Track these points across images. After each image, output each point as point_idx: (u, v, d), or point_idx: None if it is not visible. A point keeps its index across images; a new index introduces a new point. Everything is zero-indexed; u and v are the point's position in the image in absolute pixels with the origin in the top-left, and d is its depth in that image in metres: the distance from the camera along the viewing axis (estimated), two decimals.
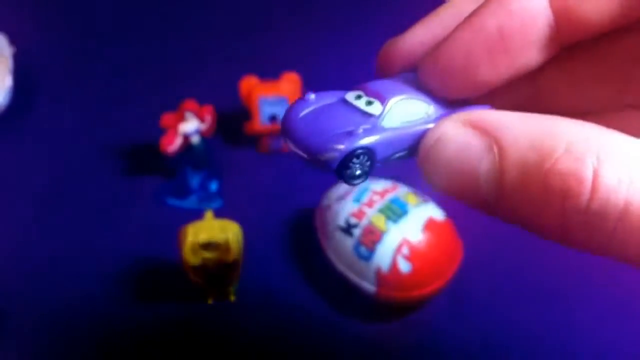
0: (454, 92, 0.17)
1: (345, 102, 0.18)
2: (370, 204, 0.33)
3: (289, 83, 0.39)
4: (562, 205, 0.14)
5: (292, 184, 0.41)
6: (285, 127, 0.18)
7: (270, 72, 0.40)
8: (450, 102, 0.18)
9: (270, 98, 0.39)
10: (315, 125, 0.17)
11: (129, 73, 0.47)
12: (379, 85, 0.18)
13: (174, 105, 0.38)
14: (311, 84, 0.40)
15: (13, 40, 0.46)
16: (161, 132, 0.37)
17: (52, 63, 0.48)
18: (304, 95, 0.18)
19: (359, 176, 0.17)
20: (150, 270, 0.36)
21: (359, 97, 0.18)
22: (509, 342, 0.34)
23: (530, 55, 0.16)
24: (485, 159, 0.15)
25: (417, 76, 0.18)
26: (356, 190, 0.34)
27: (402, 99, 0.17)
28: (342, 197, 0.34)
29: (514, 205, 0.15)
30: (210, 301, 0.35)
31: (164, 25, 0.51)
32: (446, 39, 0.17)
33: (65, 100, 0.46)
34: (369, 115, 0.17)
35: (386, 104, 0.17)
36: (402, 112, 0.17)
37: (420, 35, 0.18)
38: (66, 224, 0.39)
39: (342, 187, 0.35)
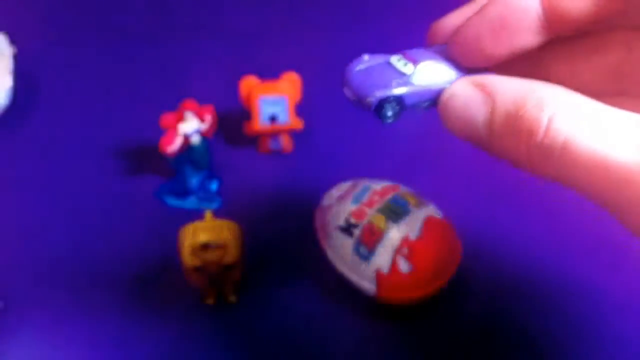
0: (469, 61, 0.23)
1: (389, 63, 0.24)
2: (370, 204, 0.33)
3: (289, 83, 0.39)
4: (527, 142, 0.19)
5: (292, 184, 0.41)
6: (344, 78, 0.25)
7: (270, 73, 0.40)
8: (468, 71, 0.23)
9: (270, 98, 0.39)
10: (364, 78, 0.24)
11: (129, 73, 0.48)
12: (415, 52, 0.24)
13: (174, 106, 0.38)
14: (311, 84, 0.41)
15: (13, 40, 0.46)
16: (161, 132, 0.37)
17: (53, 63, 0.48)
18: (363, 56, 0.25)
19: (390, 116, 0.24)
20: (150, 271, 0.37)
21: (399, 59, 0.24)
22: (509, 340, 0.34)
23: (524, 38, 0.22)
24: (482, 109, 0.21)
25: (446, 48, 0.24)
26: (356, 190, 0.35)
27: (429, 63, 0.23)
28: (342, 197, 0.35)
29: (500, 144, 0.20)
30: (210, 302, 0.35)
31: (165, 26, 0.51)
32: (465, 22, 0.23)
33: (65, 100, 0.46)
34: (403, 73, 0.23)
35: (417, 66, 0.23)
36: (428, 73, 0.23)
37: (455, 18, 0.24)
38: (66, 223, 0.39)
39: (342, 188, 0.36)
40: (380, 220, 0.33)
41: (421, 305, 0.34)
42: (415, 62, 0.23)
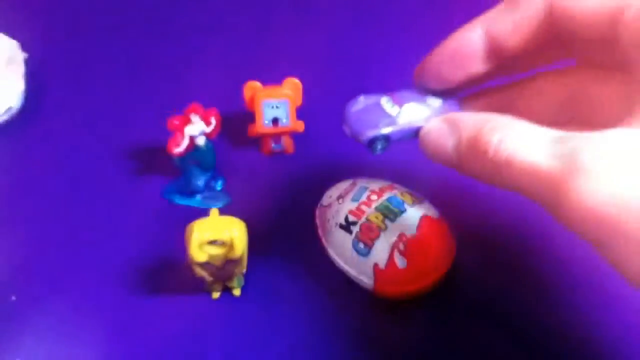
0: (434, 85, 0.28)
1: (379, 104, 0.29)
2: (368, 203, 0.34)
3: (291, 88, 0.40)
4: (483, 160, 0.24)
5: (294, 184, 0.41)
6: (343, 117, 0.30)
7: (272, 77, 0.40)
8: (439, 95, 0.29)
9: (273, 102, 0.40)
10: (359, 118, 0.29)
11: (137, 77, 0.48)
12: (401, 94, 0.29)
13: (180, 108, 0.38)
14: (313, 89, 0.41)
15: (24, 46, 0.46)
16: (168, 134, 0.38)
17: (63, 68, 0.49)
18: (357, 97, 0.30)
19: (380, 150, 0.29)
20: (157, 267, 0.37)
21: (387, 101, 0.30)
22: (502, 335, 0.34)
23: (474, 66, 0.27)
24: (451, 138, 0.26)
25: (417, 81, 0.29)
26: (355, 189, 0.35)
27: (411, 105, 0.29)
28: (341, 197, 0.35)
29: (467, 164, 0.25)
30: (215, 296, 0.36)
31: (172, 31, 0.51)
32: (429, 55, 0.28)
33: (75, 103, 0.46)
34: (390, 115, 0.29)
35: (401, 108, 0.29)
36: (410, 113, 0.29)
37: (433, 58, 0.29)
38: (76, 222, 0.40)
39: (341, 187, 0.36)
40: (377, 218, 0.33)
41: (417, 299, 0.35)
42: (400, 104, 0.29)
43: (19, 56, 0.45)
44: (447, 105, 0.29)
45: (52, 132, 0.45)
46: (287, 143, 0.42)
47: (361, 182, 0.36)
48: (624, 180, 0.19)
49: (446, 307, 0.35)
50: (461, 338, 0.34)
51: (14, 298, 0.36)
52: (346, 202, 0.35)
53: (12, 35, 0.46)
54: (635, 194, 0.19)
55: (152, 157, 0.42)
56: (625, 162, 0.20)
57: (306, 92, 0.40)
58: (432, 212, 0.34)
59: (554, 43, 0.25)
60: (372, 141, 0.29)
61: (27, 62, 0.46)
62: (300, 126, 0.41)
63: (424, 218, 0.33)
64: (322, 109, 0.44)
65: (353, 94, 0.45)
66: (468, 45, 0.26)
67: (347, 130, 0.30)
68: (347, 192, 0.35)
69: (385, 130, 0.29)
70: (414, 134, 0.28)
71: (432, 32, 0.48)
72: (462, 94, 0.30)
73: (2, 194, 0.41)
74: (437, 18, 0.51)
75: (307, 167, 0.42)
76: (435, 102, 0.29)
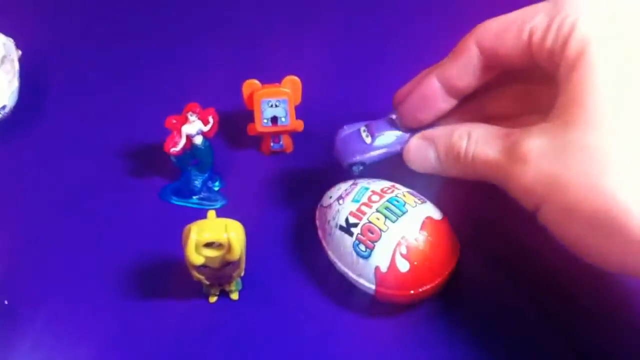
0: (410, 125, 0.35)
1: (359, 133, 0.36)
2: (369, 204, 0.34)
3: (290, 86, 0.40)
4: (456, 162, 0.32)
5: (294, 184, 0.41)
6: (334, 145, 0.36)
7: (271, 76, 0.40)
8: (410, 132, 0.35)
9: (272, 101, 0.40)
10: (342, 146, 0.36)
11: (134, 76, 0.48)
12: (375, 124, 0.36)
13: (178, 108, 0.38)
14: (312, 87, 0.41)
15: (19, 43, 0.46)
16: (165, 133, 0.38)
17: (58, 66, 0.48)
18: (343, 127, 0.36)
19: (357, 172, 0.36)
20: (154, 269, 0.37)
21: (364, 131, 0.36)
22: (506, 338, 0.34)
23: (439, 106, 0.34)
24: (431, 151, 0.33)
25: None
26: (356, 190, 0.35)
27: (383, 134, 0.35)
28: (342, 197, 0.35)
29: (444, 168, 0.33)
30: (212, 300, 0.36)
31: (169, 30, 0.51)
32: (404, 100, 0.35)
33: (70, 102, 0.46)
34: (365, 143, 0.35)
35: (374, 138, 0.35)
36: (382, 141, 0.35)
37: (405, 89, 0.36)
38: (72, 222, 0.39)
39: (342, 188, 0.36)
40: (379, 220, 0.33)
41: (419, 303, 0.34)
42: (373, 135, 0.35)
43: (14, 54, 0.45)
44: (413, 132, 0.35)
45: (47, 132, 0.44)
46: (286, 142, 0.42)
47: (362, 183, 0.36)
48: (544, 163, 0.27)
49: (449, 308, 0.35)
50: (463, 340, 0.34)
51: (6, 302, 0.35)
52: (347, 203, 0.34)
53: (7, 32, 0.46)
54: (552, 172, 0.27)
55: (150, 158, 0.42)
56: (543, 149, 0.28)
57: (306, 91, 0.40)
58: (435, 214, 0.34)
59: (490, 74, 0.32)
60: (351, 166, 0.35)
61: (22, 60, 0.46)
62: (299, 125, 0.41)
63: (426, 219, 0.33)
64: (322, 108, 0.44)
65: (353, 94, 0.46)
66: (429, 92, 0.33)
67: (335, 154, 0.36)
68: (347, 193, 0.35)
69: (361, 158, 0.35)
70: (386, 158, 0.35)
71: (431, 32, 0.50)
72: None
73: None
74: (435, 19, 0.52)
75: (306, 166, 0.42)
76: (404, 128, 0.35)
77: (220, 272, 0.33)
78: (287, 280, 0.37)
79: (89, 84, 0.47)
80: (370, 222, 0.33)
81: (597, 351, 0.34)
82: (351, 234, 0.33)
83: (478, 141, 0.31)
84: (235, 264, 0.32)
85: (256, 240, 0.34)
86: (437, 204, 0.35)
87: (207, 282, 0.34)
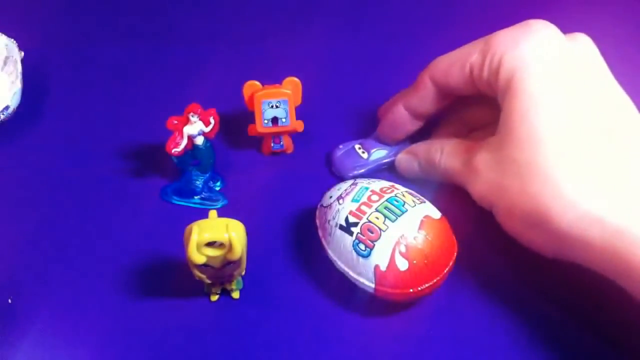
0: (389, 141, 0.42)
1: (354, 149, 0.42)
2: (369, 204, 0.34)
3: (290, 87, 0.40)
4: (433, 169, 0.39)
5: (294, 184, 0.41)
6: (331, 161, 0.42)
7: (272, 77, 0.40)
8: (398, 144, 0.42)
9: (272, 101, 0.40)
10: (339, 162, 0.42)
11: (136, 77, 0.48)
12: (368, 142, 0.42)
13: (179, 109, 0.38)
14: (312, 88, 0.41)
15: (22, 44, 0.46)
16: (166, 134, 0.38)
17: (60, 67, 0.48)
18: (339, 145, 0.42)
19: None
20: (156, 268, 0.37)
21: (359, 148, 0.42)
22: (503, 337, 0.34)
23: (408, 128, 0.40)
24: (414, 162, 0.40)
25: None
26: (356, 190, 0.35)
27: (376, 150, 0.42)
28: (342, 197, 0.35)
29: (426, 174, 0.39)
30: (214, 299, 0.36)
31: (170, 31, 0.51)
32: (380, 124, 0.42)
33: (73, 103, 0.46)
34: (362, 158, 0.42)
35: (370, 153, 0.42)
36: (376, 156, 0.42)
37: (386, 106, 0.42)
38: (75, 222, 0.39)
39: (342, 187, 0.36)
40: (378, 219, 0.33)
41: (418, 301, 0.35)
42: (368, 150, 0.42)
43: (16, 55, 0.45)
44: (401, 143, 0.42)
45: (50, 132, 0.45)
46: (286, 143, 0.42)
47: (362, 183, 0.36)
48: (490, 174, 0.34)
49: (447, 306, 0.35)
50: (463, 337, 0.34)
51: (10, 301, 0.36)
52: (346, 203, 0.35)
53: (9, 34, 0.46)
54: (495, 182, 0.33)
55: (151, 158, 0.42)
56: (489, 162, 0.34)
57: (306, 92, 0.40)
58: (434, 213, 0.34)
59: (446, 101, 0.38)
60: (352, 178, 0.39)
61: (24, 61, 0.46)
62: (299, 126, 0.41)
63: (425, 219, 0.33)
64: (322, 109, 0.44)
65: (353, 94, 0.46)
66: (398, 118, 0.40)
67: (334, 170, 0.42)
68: (347, 193, 0.35)
69: (360, 171, 0.41)
70: (380, 167, 0.41)
71: (430, 32, 0.50)
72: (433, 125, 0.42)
73: None
74: (435, 19, 0.52)
75: (306, 166, 0.42)
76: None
77: (221, 271, 0.33)
78: (288, 279, 0.37)
79: (91, 85, 0.47)
80: (369, 221, 0.33)
81: (600, 345, 0.34)
82: (351, 234, 0.33)
83: (448, 154, 0.37)
84: (236, 263, 0.32)
85: (257, 239, 0.35)
86: (436, 203, 0.35)
87: (209, 281, 0.34)
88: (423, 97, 0.38)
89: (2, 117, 0.43)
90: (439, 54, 0.38)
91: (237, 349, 0.34)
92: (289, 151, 0.43)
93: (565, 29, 0.35)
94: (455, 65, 0.36)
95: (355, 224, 0.33)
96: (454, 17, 0.51)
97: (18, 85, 0.44)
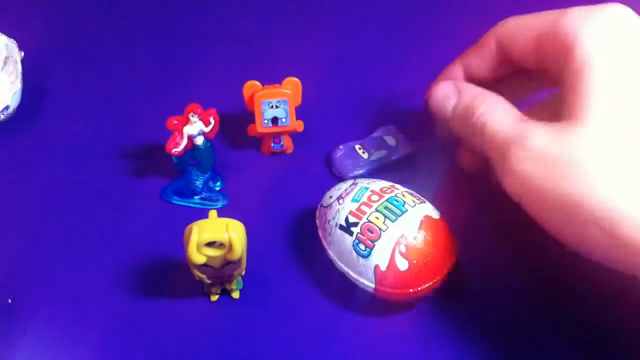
0: (434, 111, 0.37)
1: (354, 149, 0.42)
2: (369, 204, 0.34)
3: (290, 87, 0.40)
4: (469, 120, 0.33)
5: (294, 184, 0.41)
6: (331, 161, 0.42)
7: (272, 77, 0.40)
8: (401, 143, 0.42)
9: (272, 101, 0.40)
10: (340, 162, 0.41)
11: (135, 77, 0.48)
12: (368, 142, 0.42)
13: (179, 108, 0.38)
14: (312, 88, 0.41)
15: (22, 44, 0.46)
16: (166, 134, 0.38)
17: (60, 67, 0.48)
18: (339, 145, 0.42)
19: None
20: (156, 268, 0.37)
21: (359, 148, 0.42)
22: (503, 336, 0.34)
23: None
24: (452, 99, 0.35)
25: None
26: (356, 190, 0.35)
27: (378, 149, 0.41)
28: (342, 197, 0.35)
29: (457, 121, 0.35)
30: (214, 299, 0.36)
31: (171, 31, 0.51)
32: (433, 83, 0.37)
33: (72, 103, 0.46)
34: (362, 158, 0.41)
35: (369, 153, 0.41)
36: (376, 155, 0.41)
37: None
38: (74, 222, 0.39)
39: (342, 187, 0.36)
40: (378, 219, 0.33)
41: (418, 301, 0.35)
42: (369, 150, 0.41)
43: (16, 55, 0.45)
44: (401, 142, 0.42)
45: (50, 132, 0.45)
46: (286, 143, 0.42)
47: (362, 183, 0.36)
48: (549, 159, 0.29)
49: (447, 307, 0.35)
50: (462, 338, 0.34)
51: (10, 301, 0.36)
52: (346, 203, 0.35)
53: (9, 34, 0.46)
54: (551, 173, 0.29)
55: (151, 158, 0.42)
56: (542, 150, 0.29)
57: (306, 92, 0.40)
58: (433, 213, 0.34)
59: (506, 69, 0.35)
60: (353, 178, 0.39)
61: (24, 61, 0.46)
62: (299, 126, 0.41)
63: (425, 219, 0.33)
64: (322, 109, 0.44)
65: (353, 94, 0.46)
66: (452, 77, 0.36)
67: (334, 170, 0.41)
68: (347, 193, 0.35)
69: (360, 171, 0.41)
70: (379, 168, 0.41)
71: (430, 33, 0.50)
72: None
73: None
74: (435, 19, 0.52)
75: (307, 166, 0.42)
76: (392, 141, 0.42)
77: (221, 271, 0.33)
78: (288, 279, 0.37)
79: (91, 85, 0.47)
80: (369, 221, 0.33)
81: (598, 345, 0.34)
82: (351, 233, 0.34)
83: (494, 112, 0.32)
84: (236, 263, 0.32)
85: (257, 239, 0.35)
86: (436, 203, 0.35)
87: (209, 281, 0.34)
88: (483, 57, 0.35)
89: (2, 117, 0.43)
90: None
91: (237, 349, 0.34)
92: (289, 151, 0.43)
93: None
94: (525, 31, 0.33)
95: (355, 224, 0.33)
96: (454, 17, 0.51)
97: (18, 85, 0.44)
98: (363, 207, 0.34)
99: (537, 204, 0.30)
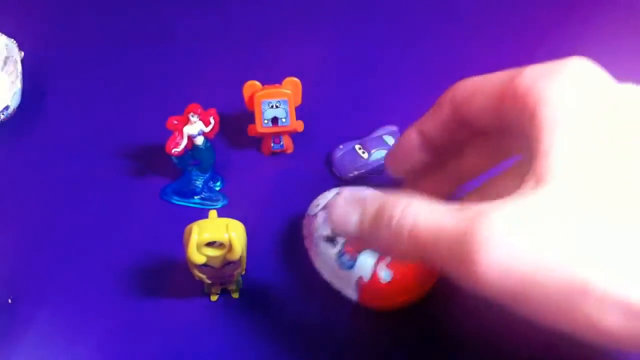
0: (393, 173, 0.35)
1: (354, 149, 0.41)
2: None
3: (290, 87, 0.40)
4: (382, 227, 0.26)
5: (294, 184, 0.41)
6: (331, 161, 0.42)
7: (272, 77, 0.40)
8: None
9: (273, 101, 0.40)
10: (340, 162, 0.41)
11: (135, 77, 0.48)
12: (370, 140, 0.42)
13: (179, 108, 0.38)
14: (312, 88, 0.41)
15: (22, 44, 0.46)
16: (166, 133, 0.38)
17: (60, 67, 0.48)
18: (339, 145, 0.42)
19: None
20: (155, 268, 0.37)
21: (360, 148, 0.41)
22: (489, 347, 0.34)
23: (416, 157, 0.33)
24: (354, 213, 0.28)
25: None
26: None
27: (376, 150, 0.41)
28: (327, 207, 0.35)
29: (366, 235, 0.27)
30: (214, 299, 0.36)
31: (170, 31, 0.51)
32: (389, 151, 0.37)
33: (72, 103, 0.46)
34: (362, 158, 0.41)
35: (370, 153, 0.41)
36: (376, 155, 0.41)
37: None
38: (74, 222, 0.39)
39: (328, 196, 0.36)
40: None
41: (404, 310, 0.34)
42: (369, 150, 0.41)
43: (16, 55, 0.45)
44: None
45: (50, 132, 0.44)
46: (286, 143, 0.42)
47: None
48: (525, 241, 0.22)
49: (434, 316, 0.35)
50: (462, 338, 0.34)
51: (10, 301, 0.36)
52: None
53: (9, 33, 0.46)
54: (532, 257, 0.22)
55: (151, 158, 0.42)
56: (524, 219, 0.22)
57: (306, 92, 0.40)
58: None
59: (463, 132, 0.32)
60: (353, 179, 0.41)
61: (24, 61, 0.46)
62: (299, 126, 0.41)
63: None
64: (322, 109, 0.44)
65: (353, 94, 0.46)
66: (406, 141, 0.34)
67: (334, 170, 0.41)
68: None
69: (360, 171, 0.41)
70: (379, 168, 0.41)
71: (430, 34, 0.50)
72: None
73: None
74: (436, 21, 0.52)
75: (307, 167, 0.42)
76: (392, 141, 0.42)
77: (221, 271, 0.33)
78: (288, 279, 0.37)
79: (91, 85, 0.47)
80: None
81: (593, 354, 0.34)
82: (335, 245, 0.33)
83: (419, 209, 0.25)
84: (236, 263, 0.32)
85: (257, 239, 0.35)
86: None
87: (209, 281, 0.34)
88: (438, 120, 0.32)
89: (2, 117, 0.43)
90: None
91: (237, 349, 0.34)
92: (289, 151, 0.43)
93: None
94: (483, 91, 0.30)
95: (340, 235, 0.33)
96: (454, 19, 0.51)
97: (18, 85, 0.44)
98: None
99: (530, 297, 0.22)
